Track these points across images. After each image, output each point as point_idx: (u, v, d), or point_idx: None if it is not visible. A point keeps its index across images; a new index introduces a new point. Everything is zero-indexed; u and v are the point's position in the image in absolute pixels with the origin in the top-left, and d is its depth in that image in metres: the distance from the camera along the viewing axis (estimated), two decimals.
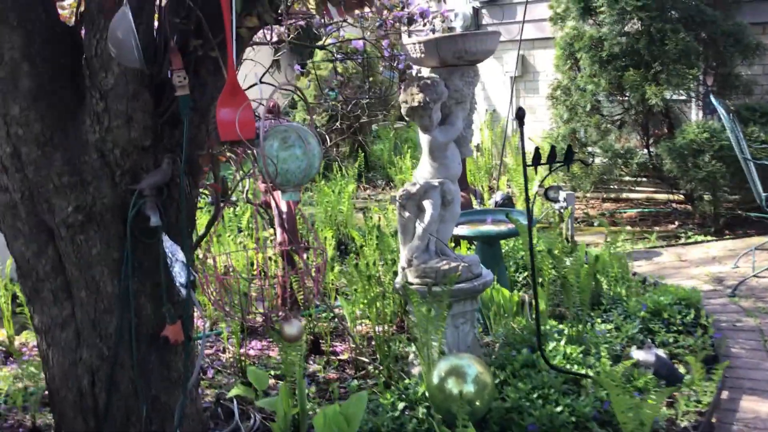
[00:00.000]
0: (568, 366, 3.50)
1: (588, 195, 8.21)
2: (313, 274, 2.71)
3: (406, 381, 3.54)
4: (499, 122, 9.47)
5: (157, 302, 2.62)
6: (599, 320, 4.33)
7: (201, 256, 4.99)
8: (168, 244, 2.53)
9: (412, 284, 3.75)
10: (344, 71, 6.67)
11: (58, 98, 2.44)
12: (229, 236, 5.15)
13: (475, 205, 6.28)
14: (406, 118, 3.78)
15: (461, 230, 4.68)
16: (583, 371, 3.45)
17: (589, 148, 7.34)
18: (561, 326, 4.05)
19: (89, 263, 2.52)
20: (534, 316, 4.20)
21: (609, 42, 6.68)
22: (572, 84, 7.26)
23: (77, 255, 2.51)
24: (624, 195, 8.18)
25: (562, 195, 5.98)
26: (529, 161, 3.16)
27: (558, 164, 3.19)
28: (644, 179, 7.63)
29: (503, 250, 5.25)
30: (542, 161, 3.15)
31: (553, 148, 3.19)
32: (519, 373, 3.43)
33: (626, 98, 6.96)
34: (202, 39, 2.40)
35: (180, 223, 2.57)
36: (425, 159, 3.83)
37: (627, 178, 7.49)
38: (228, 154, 3.52)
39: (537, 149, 3.15)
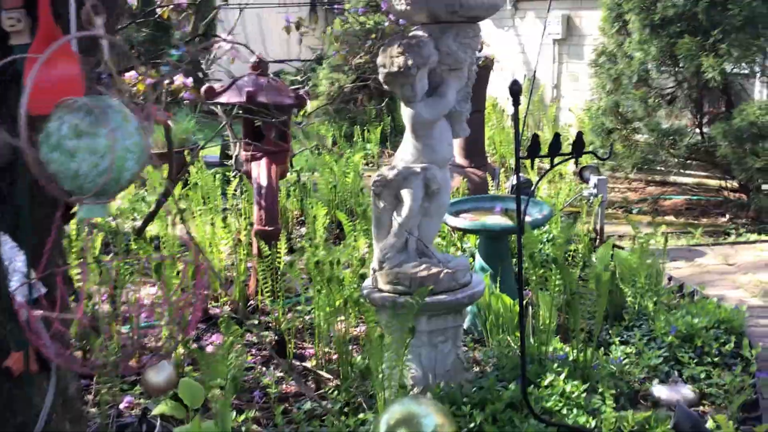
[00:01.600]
0: (565, 409, 2.78)
1: (631, 176, 7.35)
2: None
3: (362, 415, 2.87)
4: (537, 89, 8.60)
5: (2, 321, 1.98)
6: (617, 340, 3.59)
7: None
8: (7, 248, 1.88)
9: (382, 291, 3.06)
10: (356, 24, 5.87)
11: None
12: (197, 210, 4.49)
13: (491, 188, 5.51)
14: (385, 87, 3.04)
15: (460, 221, 3.96)
16: (583, 418, 2.73)
17: (635, 124, 6.47)
18: (567, 348, 3.32)
19: None
20: (537, 327, 3.49)
21: (663, 3, 5.76)
22: (619, 50, 6.37)
23: None
24: (671, 178, 7.30)
25: (592, 180, 5.17)
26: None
27: (564, 158, 2.44)
28: (694, 162, 6.74)
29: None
30: (540, 152, 2.40)
31: (556, 136, 2.44)
32: (500, 416, 2.72)
33: (679, 70, 6.06)
34: None
35: (23, 221, 1.90)
36: (407, 138, 3.10)
37: (675, 161, 6.61)
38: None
39: (535, 137, 2.40)
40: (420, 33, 2.97)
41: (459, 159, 5.84)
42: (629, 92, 6.26)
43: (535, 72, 6.35)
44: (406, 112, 3.02)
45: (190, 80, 3.22)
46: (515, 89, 2.37)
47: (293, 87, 5.07)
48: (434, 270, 3.03)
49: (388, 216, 3.12)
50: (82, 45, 1.83)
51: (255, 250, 4.35)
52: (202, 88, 4.50)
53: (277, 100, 4.45)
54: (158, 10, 3.62)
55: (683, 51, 5.65)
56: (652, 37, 5.87)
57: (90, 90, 1.50)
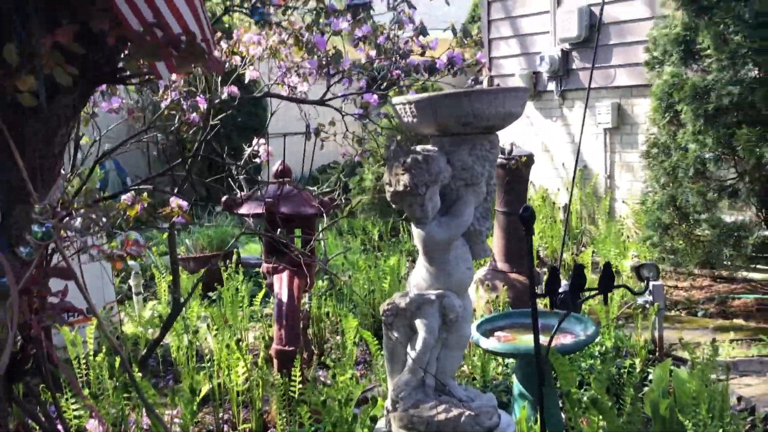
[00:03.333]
0: None
1: (696, 271, 6.82)
2: None
3: None
4: (590, 180, 8.23)
5: None
6: None
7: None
8: None
9: None
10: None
11: None
12: (213, 329, 4.22)
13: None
14: (394, 206, 2.75)
15: (492, 342, 3.56)
16: None
17: (696, 217, 6.00)
18: None
19: None
20: None
21: (717, 92, 5.39)
22: (672, 141, 5.98)
23: None
24: (740, 274, 6.72)
25: (648, 286, 4.71)
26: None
27: (590, 294, 2.07)
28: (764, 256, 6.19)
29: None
30: (559, 287, 2.04)
31: (579, 270, 2.08)
32: None
33: (739, 161, 5.62)
34: None
35: None
36: (420, 261, 2.77)
37: (741, 258, 6.07)
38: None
39: (554, 270, 2.05)
40: (429, 147, 2.69)
41: (500, 264, 5.47)
42: (686, 186, 5.83)
43: (576, 164, 6.00)
44: (416, 233, 2.71)
45: (185, 204, 3.00)
46: (526, 217, 2.04)
47: (324, 191, 4.83)
48: (454, 412, 2.65)
49: (403, 349, 2.77)
50: None
51: (275, 372, 4.03)
52: (223, 199, 4.31)
53: (299, 211, 4.21)
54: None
55: (742, 142, 5.23)
56: (707, 127, 5.47)
57: None
